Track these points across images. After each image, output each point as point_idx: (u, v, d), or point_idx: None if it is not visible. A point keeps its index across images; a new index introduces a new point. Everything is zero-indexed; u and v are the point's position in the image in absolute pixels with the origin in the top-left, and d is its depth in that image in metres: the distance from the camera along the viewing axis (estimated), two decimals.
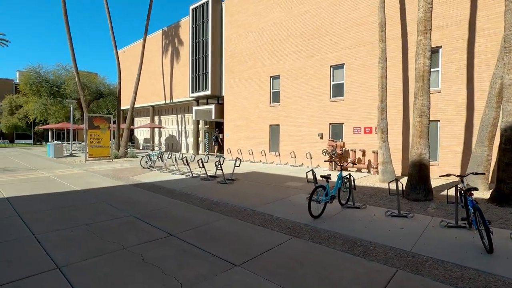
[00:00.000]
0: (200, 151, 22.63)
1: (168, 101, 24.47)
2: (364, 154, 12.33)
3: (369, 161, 12.34)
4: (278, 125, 16.01)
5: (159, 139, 27.84)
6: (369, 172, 12.33)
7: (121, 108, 33.24)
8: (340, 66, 13.43)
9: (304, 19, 14.63)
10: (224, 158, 11.34)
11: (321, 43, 13.97)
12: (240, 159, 11.04)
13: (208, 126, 23.99)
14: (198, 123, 22.09)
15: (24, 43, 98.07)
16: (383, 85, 9.83)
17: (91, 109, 38.09)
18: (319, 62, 14.09)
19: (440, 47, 10.46)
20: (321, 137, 14.07)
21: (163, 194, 7.95)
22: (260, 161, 16.53)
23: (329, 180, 5.84)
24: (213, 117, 19.32)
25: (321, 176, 5.93)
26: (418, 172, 7.18)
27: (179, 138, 25.33)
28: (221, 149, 24.37)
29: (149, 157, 13.84)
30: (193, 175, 10.98)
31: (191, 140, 23.88)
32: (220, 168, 9.49)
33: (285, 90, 15.56)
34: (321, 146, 14.01)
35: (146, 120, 29.69)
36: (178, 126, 25.42)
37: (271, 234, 4.87)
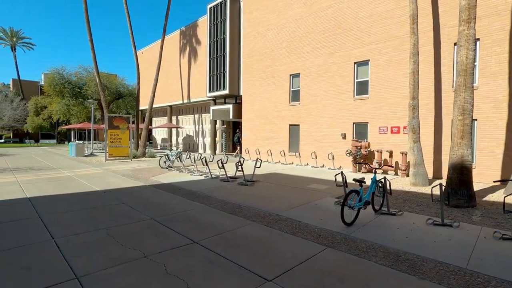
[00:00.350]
0: (217, 151, 22.45)
1: (185, 101, 24.48)
2: (391, 155, 11.64)
3: (397, 162, 11.63)
4: (298, 125, 15.51)
5: (177, 139, 27.95)
6: (396, 174, 11.63)
7: (140, 108, 33.80)
8: (365, 63, 12.78)
9: (326, 14, 14.06)
10: (244, 159, 11.00)
11: (344, 39, 13.37)
12: (261, 160, 10.66)
13: (225, 126, 23.80)
14: (215, 123, 21.92)
15: (47, 44, 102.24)
16: (415, 81, 9.16)
17: (110, 110, 38.92)
18: (342, 58, 13.49)
19: (478, 39, 9.64)
20: (344, 137, 13.46)
21: (183, 195, 7.69)
22: (279, 161, 16.09)
23: (363, 184, 5.35)
24: (230, 117, 19.06)
25: (354, 180, 5.45)
26: (459, 176, 6.53)
27: (196, 138, 25.30)
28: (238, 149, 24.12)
29: (168, 157, 13.71)
30: (212, 176, 10.70)
31: (208, 140, 23.76)
32: (241, 169, 9.14)
33: (306, 88, 15.05)
34: (343, 147, 13.40)
35: (163, 120, 29.92)
36: (195, 126, 25.40)
37: (302, 243, 4.45)
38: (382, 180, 6.01)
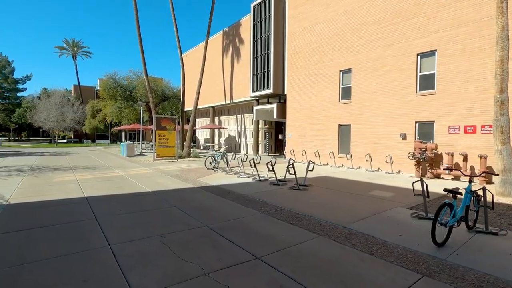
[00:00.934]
0: (259, 152, 22.02)
1: (228, 102, 24.48)
2: (465, 158, 10.04)
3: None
4: (349, 125, 14.36)
5: (219, 140, 28.17)
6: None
7: (184, 110, 34.92)
8: (431, 53, 11.28)
9: (382, 2, 12.77)
10: (294, 160, 10.30)
11: (405, 28, 11.97)
12: (313, 163, 9.86)
13: (268, 126, 23.28)
14: (258, 123, 21.51)
15: (102, 51, 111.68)
16: (504, 71, 7.65)
17: (157, 112, 40.81)
18: (401, 50, 12.11)
19: None
20: (404, 138, 12.05)
21: (234, 200, 7.24)
22: (327, 163, 15.07)
23: (457, 196, 4.34)
24: (275, 117, 18.48)
25: (446, 191, 4.45)
26: None
27: (238, 139, 25.18)
28: (281, 150, 23.45)
29: (214, 158, 13.54)
30: (261, 178, 10.17)
31: (250, 140, 23.47)
32: (293, 172, 8.45)
33: (358, 85, 13.86)
34: (404, 148, 12.00)
35: (206, 121, 30.41)
36: (237, 126, 25.29)
37: (388, 268, 3.63)
38: (479, 191, 4.89)
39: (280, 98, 19.57)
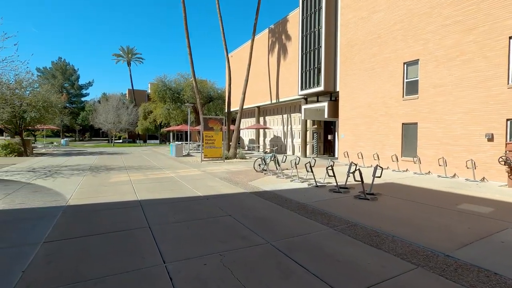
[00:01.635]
0: (307, 153, 20.87)
1: (274, 101, 23.74)
2: None
3: None
4: (416, 124, 12.60)
5: (264, 140, 27.59)
6: None
7: (227, 110, 35.19)
8: None
9: None
10: (355, 164, 9.14)
11: (492, 7, 9.99)
12: (382, 168, 8.58)
13: (316, 126, 22.04)
14: (306, 123, 20.40)
15: (152, 55, 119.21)
16: None
17: (204, 113, 42.00)
18: (486, 34, 10.13)
19: None
20: (490, 139, 10.07)
21: (293, 209, 6.40)
22: (388, 167, 13.42)
23: None
24: (325, 116, 17.22)
25: None
26: None
27: (284, 139, 24.30)
28: (330, 151, 22.03)
29: (264, 160, 12.87)
30: (318, 184, 9.19)
31: (297, 141, 22.43)
32: (360, 179, 7.32)
33: (427, 77, 12.06)
34: (490, 151, 10.03)
35: (250, 121, 30.07)
36: (283, 126, 24.43)
37: None
38: None
39: (331, 96, 18.24)
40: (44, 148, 29.52)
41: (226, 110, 32.86)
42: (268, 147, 26.70)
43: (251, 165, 15.14)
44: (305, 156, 20.33)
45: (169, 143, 38.88)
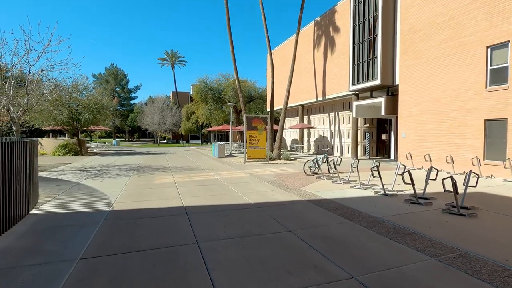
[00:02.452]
0: (358, 155, 19.00)
1: (319, 99, 22.20)
2: None
3: None
4: (505, 120, 10.34)
5: (308, 140, 26.12)
6: None
7: (268, 109, 34.30)
8: None
9: None
10: (435, 169, 7.51)
11: None
12: (477, 175, 6.85)
13: (368, 124, 20.06)
14: (357, 121, 18.58)
15: (194, 57, 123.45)
16: None
17: (245, 112, 41.71)
18: None
19: None
20: None
21: (370, 227, 5.12)
22: (464, 172, 11.25)
23: None
24: (382, 113, 15.34)
25: None
26: None
27: (331, 139, 22.61)
28: (384, 152, 19.89)
29: (316, 162, 11.62)
30: (386, 192, 7.71)
31: (346, 141, 20.64)
32: (453, 189, 5.74)
33: None
34: None
35: (293, 120, 28.77)
36: (330, 125, 22.76)
37: None
38: None
39: (388, 90, 16.26)
40: (97, 148, 31.43)
41: (268, 109, 32.05)
42: (312, 147, 25.19)
43: (298, 167, 13.95)
44: (356, 157, 18.48)
45: (210, 144, 39.26)
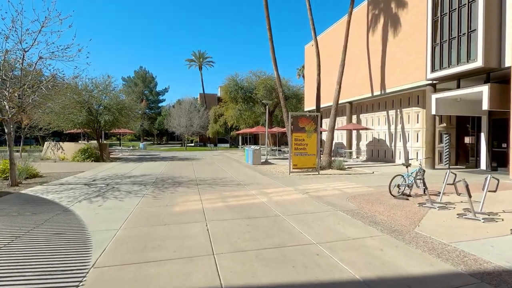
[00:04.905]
0: (435, 163, 14.67)
1: (375, 93, 18.10)
2: None
3: None
4: None
5: (357, 144, 21.98)
6: None
7: (306, 109, 30.56)
8: None
9: None
10: None
11: None
12: None
13: (444, 124, 15.68)
14: (434, 120, 14.33)
15: (222, 57, 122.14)
16: None
17: (275, 115, 38.19)
18: None
19: None
20: None
21: None
22: None
23: None
24: (485, 106, 11.02)
25: None
26: None
27: (390, 143, 18.38)
28: (466, 160, 15.37)
29: (406, 179, 7.84)
30: None
31: (414, 145, 16.36)
32: None
33: None
34: None
35: (338, 120, 24.69)
36: (388, 126, 18.54)
37: None
38: None
39: (489, 76, 11.90)
40: (121, 153, 29.55)
41: (306, 108, 28.26)
42: (363, 153, 21.02)
43: (364, 181, 10.16)
44: (433, 167, 14.22)
45: (241, 147, 36.21)
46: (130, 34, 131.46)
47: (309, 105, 27.54)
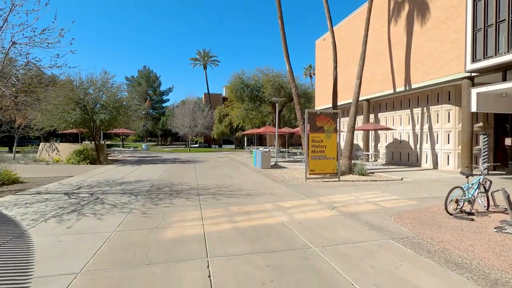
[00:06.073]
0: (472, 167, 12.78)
1: (399, 89, 16.27)
2: None
3: None
4: None
5: (375, 146, 20.13)
6: None
7: (317, 108, 28.64)
8: None
9: None
10: None
11: None
12: None
13: (480, 123, 13.80)
14: (472, 118, 12.47)
15: (227, 57, 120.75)
16: None
17: (282, 114, 36.44)
18: None
19: None
20: None
21: None
22: None
23: None
24: None
25: None
26: None
27: (414, 145, 16.52)
28: (506, 165, 13.46)
29: (466, 192, 6.11)
30: None
31: (444, 147, 14.49)
32: None
33: None
34: None
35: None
36: (413, 126, 16.69)
37: None
38: None
39: None
40: (121, 154, 28.08)
41: (317, 107, 26.42)
42: (382, 156, 19.17)
43: (396, 190, 8.30)
44: (471, 173, 12.32)
45: (248, 149, 34.51)
46: (134, 32, 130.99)
47: (320, 104, 25.76)
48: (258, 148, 21.84)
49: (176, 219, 5.79)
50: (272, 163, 16.94)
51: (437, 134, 14.92)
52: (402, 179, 11.75)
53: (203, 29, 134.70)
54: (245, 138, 53.69)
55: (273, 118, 35.95)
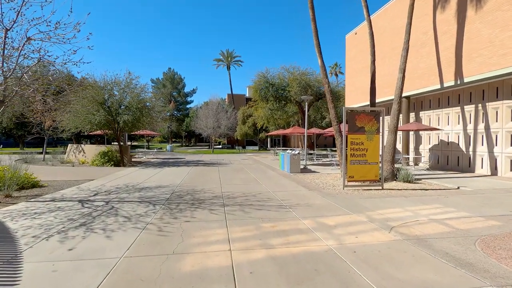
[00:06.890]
0: None
1: (447, 84, 14.31)
2: None
3: None
4: None
5: (415, 148, 18.13)
6: None
7: (370, 101, 26.66)
8: None
9: None
10: None
11: None
12: None
13: None
14: None
15: (251, 57, 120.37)
16: None
17: (308, 115, 34.83)
18: None
19: None
20: None
21: None
22: None
23: None
24: None
25: None
26: None
27: (466, 147, 14.46)
28: None
29: None
30: None
31: (506, 150, 12.41)
32: None
33: None
34: None
35: (386, 119, 20.91)
36: (464, 125, 14.64)
37: None
38: None
39: None
40: (145, 156, 27.98)
41: (348, 106, 24.66)
42: (424, 159, 17.15)
43: (459, 203, 6.69)
44: None
45: (274, 150, 33.31)
46: (159, 36, 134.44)
47: (350, 102, 23.98)
48: (286, 150, 20.55)
49: (197, 241, 4.73)
50: (301, 167, 15.60)
51: (497, 135, 12.85)
52: (458, 188, 9.99)
53: (228, 29, 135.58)
54: (269, 139, 52.51)
55: (299, 118, 34.42)
